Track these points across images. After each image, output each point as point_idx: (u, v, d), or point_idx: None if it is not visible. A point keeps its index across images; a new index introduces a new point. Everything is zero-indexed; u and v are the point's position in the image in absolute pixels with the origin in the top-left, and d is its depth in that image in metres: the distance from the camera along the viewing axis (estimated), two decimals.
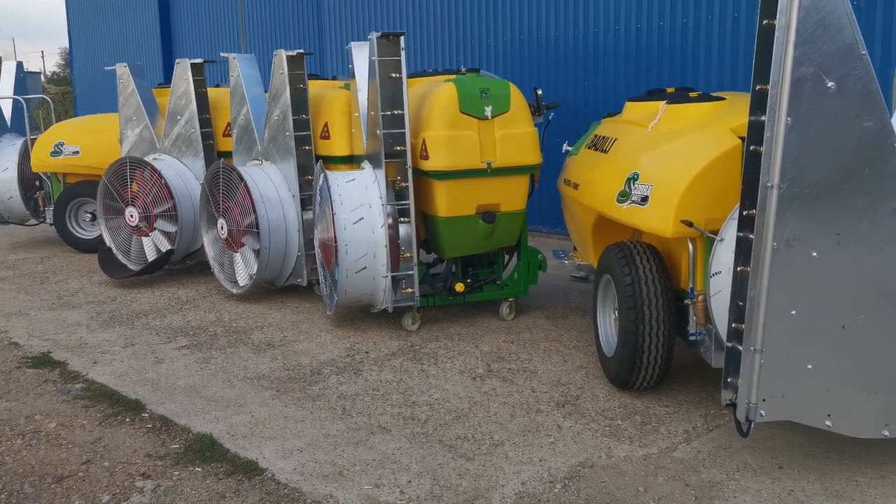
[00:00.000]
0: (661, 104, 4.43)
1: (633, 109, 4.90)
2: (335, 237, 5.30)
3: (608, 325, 4.62)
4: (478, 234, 5.42)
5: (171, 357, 5.20)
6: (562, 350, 5.13)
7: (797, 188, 3.08)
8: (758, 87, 3.14)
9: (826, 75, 3.02)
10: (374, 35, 5.23)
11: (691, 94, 4.52)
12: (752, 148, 3.17)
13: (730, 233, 3.59)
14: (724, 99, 4.35)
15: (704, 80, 7.26)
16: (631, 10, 7.84)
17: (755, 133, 3.18)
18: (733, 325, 3.30)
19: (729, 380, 3.33)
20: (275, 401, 4.42)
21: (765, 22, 3.09)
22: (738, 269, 3.26)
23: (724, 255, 3.61)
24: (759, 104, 3.15)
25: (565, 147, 5.64)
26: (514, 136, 5.31)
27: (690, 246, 3.96)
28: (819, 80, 3.03)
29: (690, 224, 3.77)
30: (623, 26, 7.91)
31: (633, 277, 4.14)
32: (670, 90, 5.02)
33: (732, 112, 4.15)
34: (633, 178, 4.19)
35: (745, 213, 3.22)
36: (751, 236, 3.22)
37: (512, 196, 5.42)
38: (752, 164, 3.19)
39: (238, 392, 4.56)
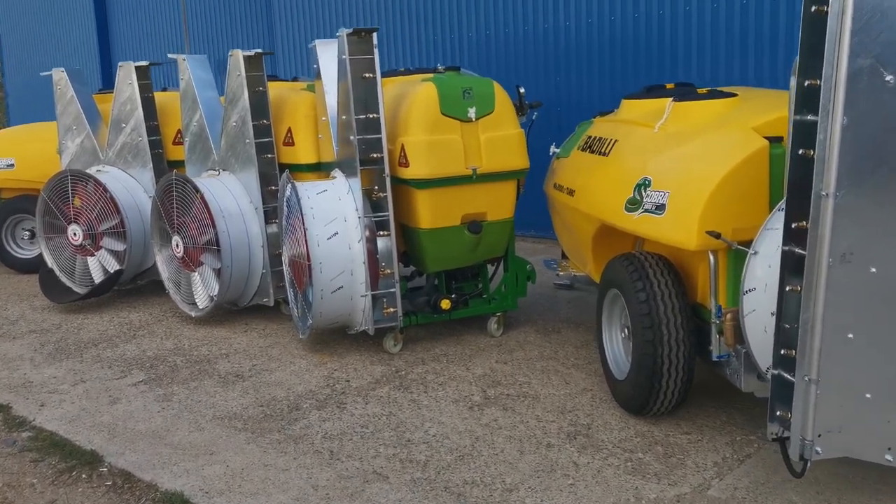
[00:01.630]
0: (668, 101, 4.05)
1: (632, 108, 4.51)
2: (308, 254, 4.81)
3: (616, 345, 4.23)
4: (463, 245, 4.99)
5: (127, 395, 4.66)
6: (560, 370, 4.73)
7: (854, 196, 2.72)
8: (806, 83, 2.77)
9: (884, 68, 2.66)
10: (343, 32, 4.76)
11: (700, 91, 4.15)
12: (800, 152, 2.80)
13: (764, 245, 3.22)
14: (735, 95, 3.99)
15: (684, 74, 6.93)
16: (604, 0, 7.47)
17: (802, 134, 2.81)
18: (782, 351, 2.93)
19: (778, 413, 2.96)
20: (251, 445, 3.93)
21: (814, 8, 2.72)
22: (787, 288, 2.89)
23: (758, 270, 3.24)
24: (806, 102, 2.78)
25: (553, 149, 5.24)
26: (501, 138, 4.89)
27: (712, 258, 3.59)
28: (877, 74, 2.66)
29: (718, 235, 3.39)
30: (596, 18, 7.55)
31: (647, 293, 3.75)
32: (670, 86, 4.65)
33: (750, 109, 3.80)
34: (644, 185, 3.80)
35: (793, 224, 2.85)
36: (797, 251, 2.85)
37: (499, 204, 5.00)
38: (799, 170, 2.82)
39: (208, 436, 4.06)
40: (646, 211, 3.75)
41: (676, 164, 3.71)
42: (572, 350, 5.05)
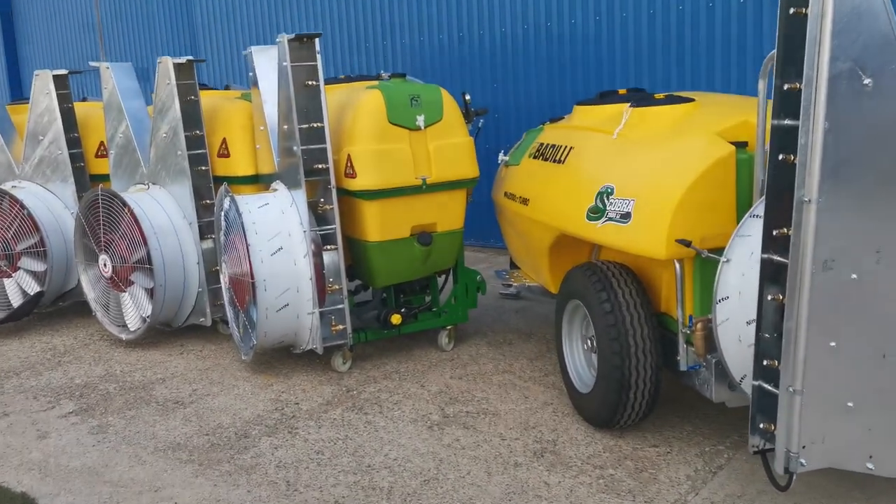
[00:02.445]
0: (626, 107, 3.97)
1: (586, 114, 4.42)
2: (251, 272, 4.56)
3: (578, 357, 4.12)
4: (414, 258, 4.82)
5: (57, 428, 4.32)
6: (518, 384, 4.60)
7: (835, 202, 2.66)
8: (785, 87, 2.70)
9: (862, 71, 2.62)
10: (284, 37, 4.53)
11: (656, 96, 4.08)
12: (780, 157, 2.73)
13: (737, 252, 3.15)
14: (693, 100, 3.93)
15: (622, 80, 6.93)
16: (540, 7, 7.41)
17: (781, 139, 2.74)
18: (763, 361, 2.86)
19: (761, 425, 2.88)
20: (200, 478, 3.66)
21: (791, 10, 2.65)
22: (768, 297, 2.82)
23: (731, 279, 3.16)
24: (785, 106, 2.72)
25: (501, 156, 5.12)
26: (450, 147, 4.75)
27: (678, 267, 3.51)
28: (855, 77, 2.61)
29: (689, 244, 3.31)
30: (532, 24, 7.49)
31: (612, 304, 3.66)
32: (622, 91, 4.59)
33: (711, 114, 3.75)
34: (607, 193, 3.70)
35: (774, 232, 2.78)
36: (777, 258, 2.78)
37: (449, 214, 4.85)
38: (778, 176, 2.75)
39: (151, 471, 3.77)
40: (610, 220, 3.65)
41: (641, 171, 3.62)
42: (527, 362, 4.93)
